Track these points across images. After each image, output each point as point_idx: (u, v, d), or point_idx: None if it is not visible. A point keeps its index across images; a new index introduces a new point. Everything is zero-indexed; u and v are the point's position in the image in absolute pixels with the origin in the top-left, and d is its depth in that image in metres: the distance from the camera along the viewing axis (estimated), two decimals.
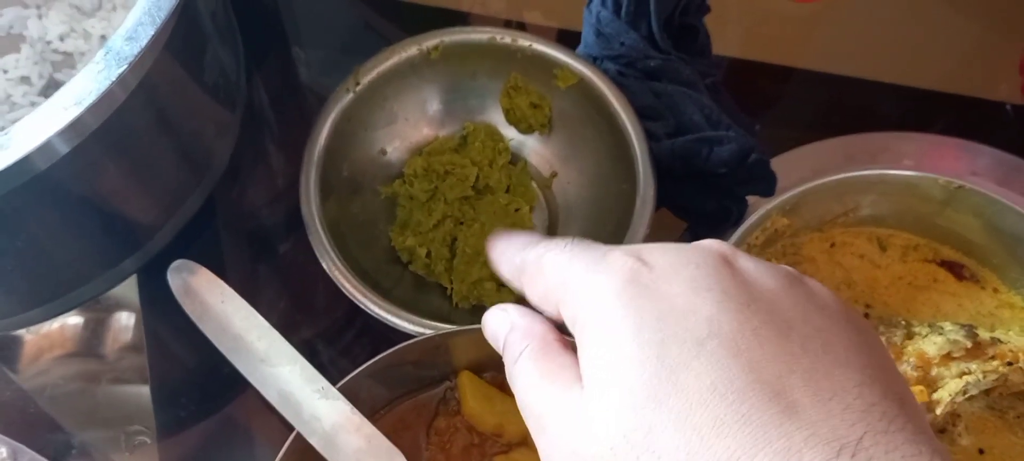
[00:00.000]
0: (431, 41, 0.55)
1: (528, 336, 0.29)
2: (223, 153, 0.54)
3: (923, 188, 0.53)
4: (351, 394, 0.42)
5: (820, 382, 0.23)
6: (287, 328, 0.42)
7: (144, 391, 0.55)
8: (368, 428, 0.41)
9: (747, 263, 0.26)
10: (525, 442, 0.46)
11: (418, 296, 0.55)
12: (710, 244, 0.27)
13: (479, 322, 0.52)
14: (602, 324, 0.25)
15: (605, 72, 0.55)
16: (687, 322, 0.24)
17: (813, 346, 0.24)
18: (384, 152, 0.58)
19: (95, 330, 0.58)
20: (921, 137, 0.56)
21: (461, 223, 0.56)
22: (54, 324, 0.58)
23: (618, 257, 0.27)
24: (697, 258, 0.26)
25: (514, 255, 0.32)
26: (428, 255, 0.55)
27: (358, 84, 0.55)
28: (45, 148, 0.37)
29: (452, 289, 0.55)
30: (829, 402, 0.22)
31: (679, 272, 0.25)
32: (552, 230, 0.58)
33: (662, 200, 0.53)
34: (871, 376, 0.23)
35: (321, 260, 0.50)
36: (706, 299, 0.24)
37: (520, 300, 0.55)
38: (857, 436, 0.21)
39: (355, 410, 0.41)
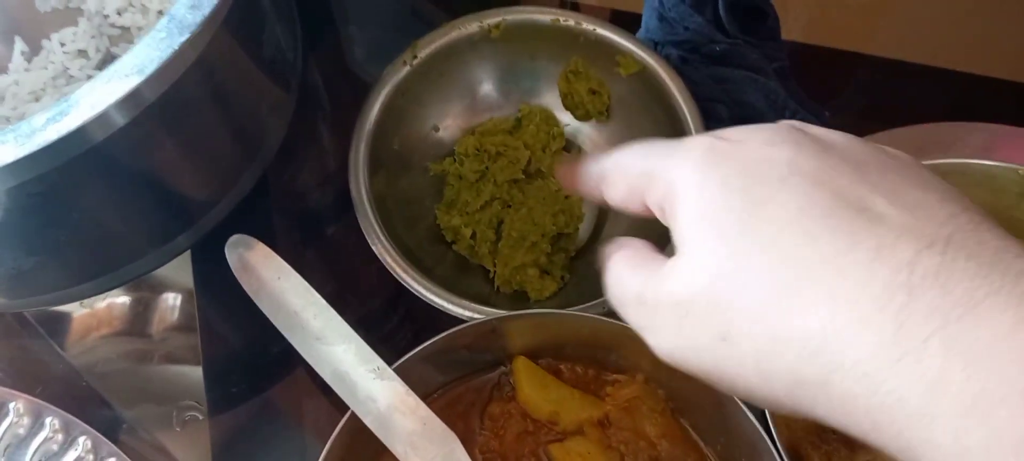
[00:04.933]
0: (493, 19, 0.55)
1: (622, 245, 0.32)
2: (277, 132, 0.53)
3: (1000, 179, 0.50)
4: (405, 376, 0.41)
5: (903, 198, 0.24)
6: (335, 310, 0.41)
7: (194, 369, 0.55)
8: (423, 410, 0.40)
9: (816, 129, 0.28)
10: (580, 431, 0.45)
11: (460, 277, 0.54)
12: (780, 121, 0.29)
13: (519, 308, 0.51)
14: (689, 188, 0.27)
15: (667, 58, 0.54)
16: (768, 167, 0.26)
17: (890, 176, 0.25)
18: (436, 129, 0.57)
19: (142, 310, 0.58)
20: (991, 127, 0.54)
21: (508, 206, 0.55)
22: (102, 303, 0.58)
23: (693, 139, 0.29)
24: (769, 126, 0.28)
25: (588, 170, 0.34)
26: (473, 236, 0.54)
27: (415, 58, 0.54)
28: (103, 118, 0.37)
29: (494, 272, 0.54)
30: (914, 211, 0.24)
31: (754, 135, 0.27)
32: (601, 220, 0.57)
33: None
34: (951, 196, 0.25)
35: (366, 235, 0.50)
36: (783, 149, 0.26)
37: (562, 290, 0.54)
38: (946, 234, 0.23)
39: (410, 392, 0.40)
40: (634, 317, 0.30)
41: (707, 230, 0.26)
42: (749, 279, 0.25)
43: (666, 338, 0.29)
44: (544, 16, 0.55)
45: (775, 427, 0.42)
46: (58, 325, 0.58)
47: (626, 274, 0.30)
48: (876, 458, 0.47)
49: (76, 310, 0.58)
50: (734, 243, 0.25)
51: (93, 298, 0.58)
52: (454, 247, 0.55)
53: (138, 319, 0.58)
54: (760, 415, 0.42)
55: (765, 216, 0.25)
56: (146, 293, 0.59)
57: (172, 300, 0.59)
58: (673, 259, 0.28)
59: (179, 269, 0.57)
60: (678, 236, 0.27)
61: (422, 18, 0.69)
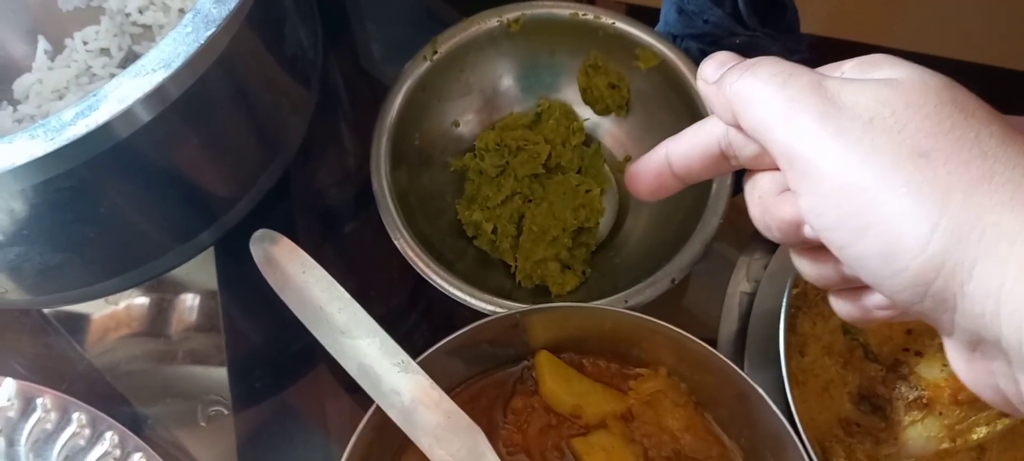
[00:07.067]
0: (512, 13, 0.55)
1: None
2: (298, 130, 0.54)
3: None
4: (428, 370, 0.41)
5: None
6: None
7: (217, 369, 0.55)
8: (448, 404, 0.40)
9: None
10: (603, 424, 0.45)
11: (481, 272, 0.54)
12: None
13: (541, 303, 0.51)
14: (911, 71, 0.30)
15: (686, 52, 0.54)
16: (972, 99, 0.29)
17: None
18: (457, 124, 0.57)
19: (160, 311, 0.59)
20: (1016, 119, 0.53)
21: (529, 201, 0.55)
22: (120, 304, 0.59)
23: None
24: None
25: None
26: (494, 231, 0.54)
27: (436, 53, 0.54)
28: (130, 113, 0.37)
29: (516, 267, 0.54)
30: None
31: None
32: (622, 215, 0.57)
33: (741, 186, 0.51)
34: None
35: (388, 229, 0.50)
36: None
37: (584, 285, 0.54)
38: None
39: (435, 385, 0.40)
40: (802, 106, 0.29)
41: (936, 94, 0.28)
42: (967, 128, 0.27)
43: (831, 140, 0.28)
44: (563, 10, 0.55)
45: (800, 420, 0.41)
46: (78, 325, 0.58)
47: (798, 69, 0.31)
48: (899, 453, 0.46)
49: (95, 311, 0.59)
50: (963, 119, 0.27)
51: (114, 297, 0.58)
52: (475, 242, 0.55)
53: (157, 320, 0.58)
54: (785, 408, 0.42)
55: (979, 117, 0.28)
56: (165, 294, 0.59)
57: (190, 301, 0.59)
58: (876, 74, 0.30)
59: (198, 270, 0.57)
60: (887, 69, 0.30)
61: (437, 18, 0.70)
